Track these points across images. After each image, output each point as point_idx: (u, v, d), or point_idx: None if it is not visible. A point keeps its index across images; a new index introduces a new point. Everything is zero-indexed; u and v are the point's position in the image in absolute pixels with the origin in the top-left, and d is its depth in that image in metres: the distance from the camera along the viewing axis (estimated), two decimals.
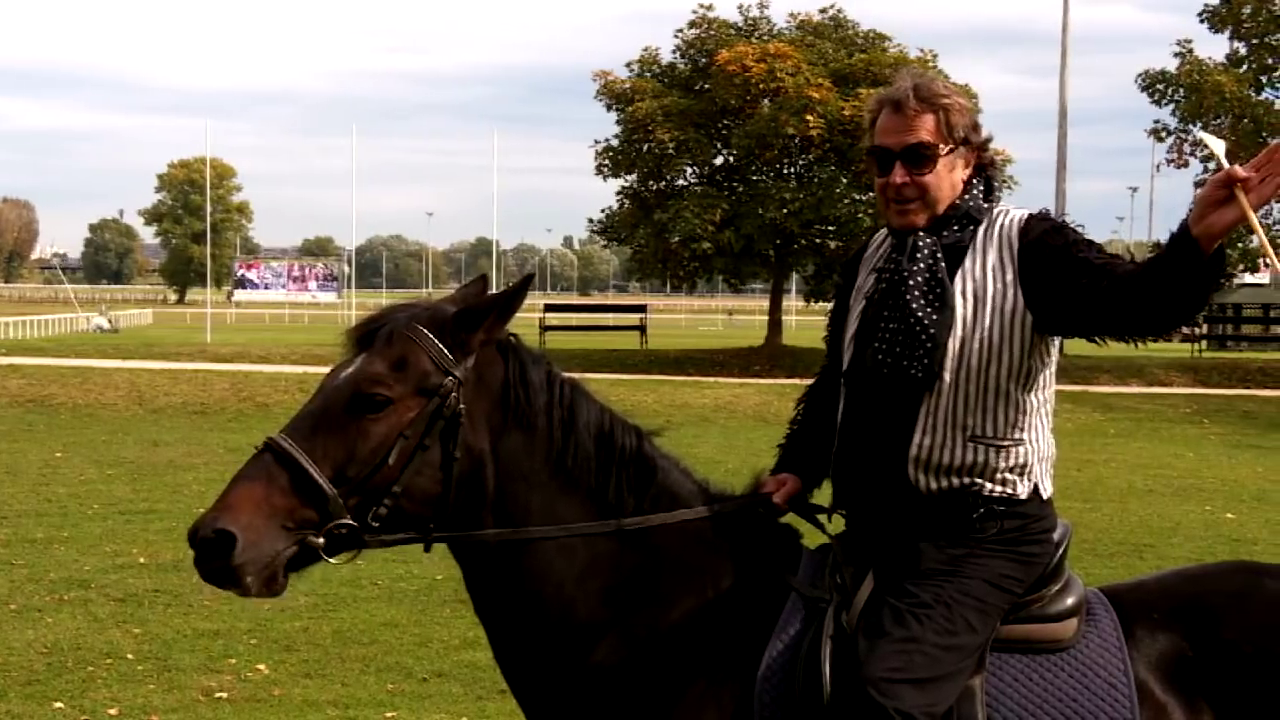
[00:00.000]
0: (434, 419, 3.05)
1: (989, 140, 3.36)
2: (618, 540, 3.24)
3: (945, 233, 3.26)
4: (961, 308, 3.19)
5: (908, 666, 3.01)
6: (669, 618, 3.20)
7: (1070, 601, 3.32)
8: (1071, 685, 3.20)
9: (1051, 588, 3.30)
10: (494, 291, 3.26)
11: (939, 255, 3.24)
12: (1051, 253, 3.13)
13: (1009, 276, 3.18)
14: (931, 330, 3.18)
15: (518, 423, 3.17)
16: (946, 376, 3.17)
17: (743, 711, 3.11)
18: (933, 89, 3.28)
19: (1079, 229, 3.22)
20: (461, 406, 3.08)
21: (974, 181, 3.31)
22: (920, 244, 3.26)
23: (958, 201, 3.28)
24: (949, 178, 3.26)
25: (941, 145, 3.24)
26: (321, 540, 3.00)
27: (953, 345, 3.17)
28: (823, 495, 3.54)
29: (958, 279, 3.21)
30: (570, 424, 3.24)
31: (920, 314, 3.19)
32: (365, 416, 3.03)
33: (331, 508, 2.99)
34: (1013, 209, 3.30)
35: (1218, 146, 2.96)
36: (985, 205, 3.29)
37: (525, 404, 3.17)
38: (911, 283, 3.22)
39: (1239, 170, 2.84)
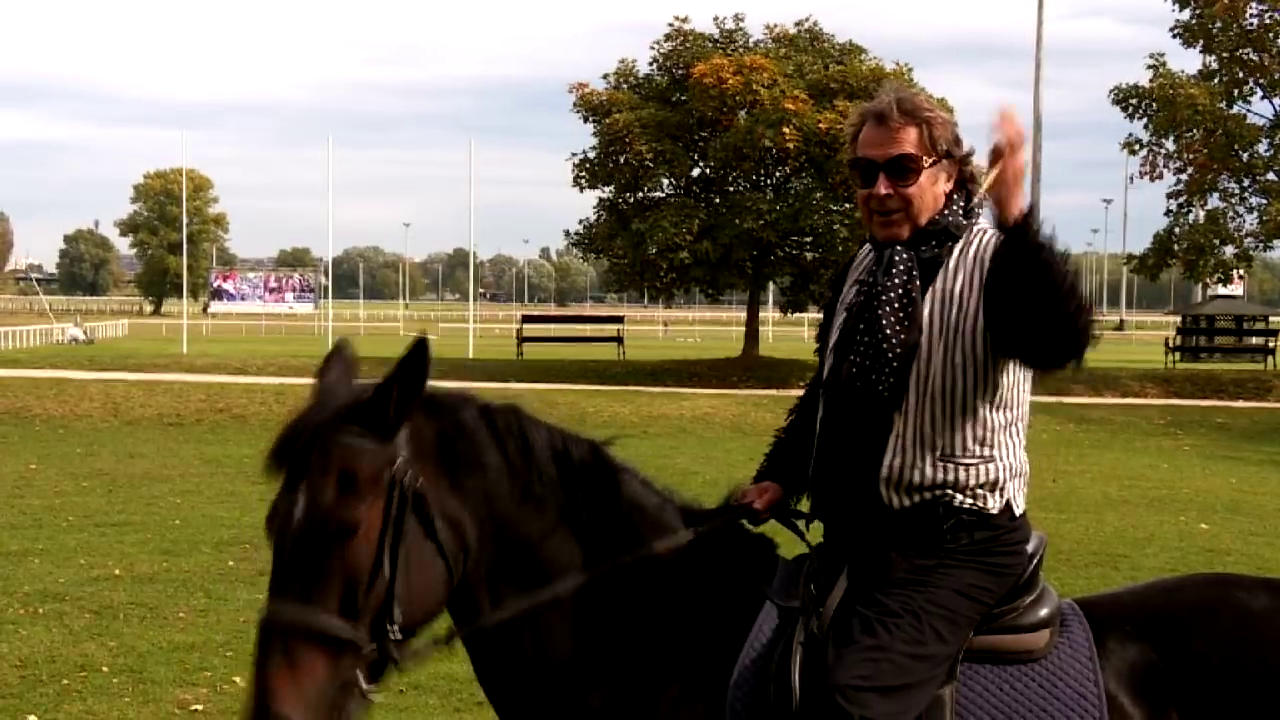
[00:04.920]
0: (401, 507, 2.97)
1: (970, 154, 3.37)
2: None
3: (924, 247, 3.29)
4: (928, 327, 3.21)
5: (875, 675, 3.03)
6: (643, 627, 3.21)
7: (1044, 613, 3.34)
8: (1041, 695, 3.22)
9: (1025, 598, 3.32)
10: (393, 365, 3.07)
11: (914, 271, 3.26)
12: (1007, 267, 3.10)
13: (975, 297, 3.19)
14: (898, 349, 3.20)
15: (470, 470, 3.11)
16: (913, 397, 3.20)
17: (715, 718, 3.12)
18: (915, 102, 3.31)
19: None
20: (420, 481, 3.00)
21: (955, 196, 3.33)
22: (896, 258, 3.28)
23: (938, 216, 3.30)
24: (932, 190, 3.29)
25: (925, 158, 3.27)
26: (363, 680, 2.92)
27: (919, 365, 3.20)
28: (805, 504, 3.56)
29: (928, 297, 3.23)
30: (527, 450, 3.18)
31: (889, 331, 3.22)
32: (344, 545, 2.93)
33: (361, 646, 2.91)
34: (990, 230, 3.29)
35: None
36: (965, 222, 3.30)
37: (470, 450, 3.11)
38: (884, 298, 3.25)
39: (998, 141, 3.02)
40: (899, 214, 3.29)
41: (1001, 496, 3.26)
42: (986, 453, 3.23)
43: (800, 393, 3.72)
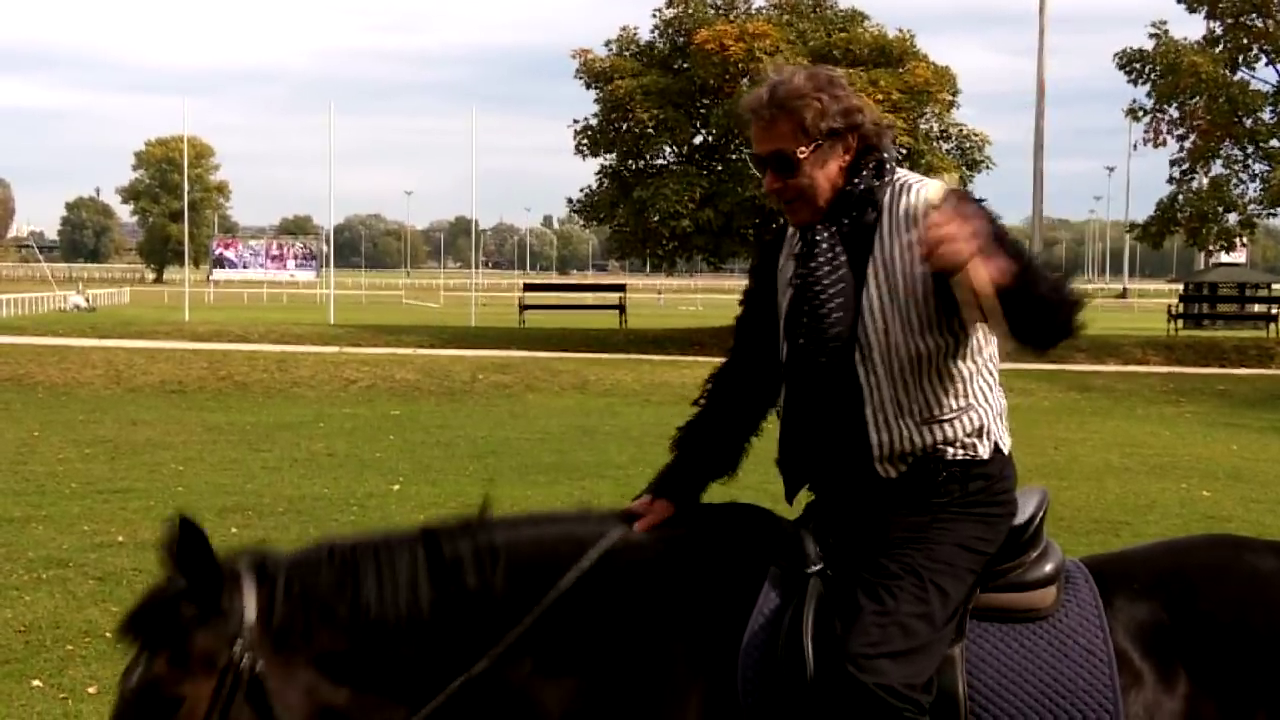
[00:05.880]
0: (232, 691, 2.92)
1: (861, 122, 3.27)
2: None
3: (845, 220, 3.27)
4: (878, 298, 3.20)
5: (884, 640, 3.03)
6: (634, 618, 3.17)
7: (1048, 569, 3.35)
8: (1050, 652, 3.23)
9: (1029, 555, 3.34)
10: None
11: (839, 248, 3.25)
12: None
13: (917, 258, 3.12)
14: (836, 328, 3.22)
15: (334, 633, 3.04)
16: (882, 369, 3.20)
17: (726, 689, 3.10)
18: (787, 89, 3.25)
19: (993, 215, 3.14)
20: (260, 666, 2.94)
21: (862, 163, 3.29)
22: (818, 238, 3.28)
23: (847, 189, 3.27)
24: (821, 174, 3.26)
25: (801, 148, 3.24)
26: None
27: (878, 337, 3.19)
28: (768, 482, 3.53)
29: (870, 267, 3.22)
30: (378, 593, 3.08)
31: (823, 310, 3.23)
32: None
33: None
34: (915, 181, 3.27)
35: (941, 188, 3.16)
36: (879, 183, 3.27)
37: (322, 620, 3.03)
38: (814, 278, 3.26)
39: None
40: (796, 202, 3.30)
41: (989, 440, 3.27)
42: (964, 403, 3.24)
43: None
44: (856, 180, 3.28)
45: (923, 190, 3.24)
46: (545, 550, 3.21)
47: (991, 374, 3.32)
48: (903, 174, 3.32)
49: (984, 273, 2.84)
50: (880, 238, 3.23)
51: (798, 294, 3.30)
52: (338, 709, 3.04)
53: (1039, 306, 2.96)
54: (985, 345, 3.29)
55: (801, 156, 3.24)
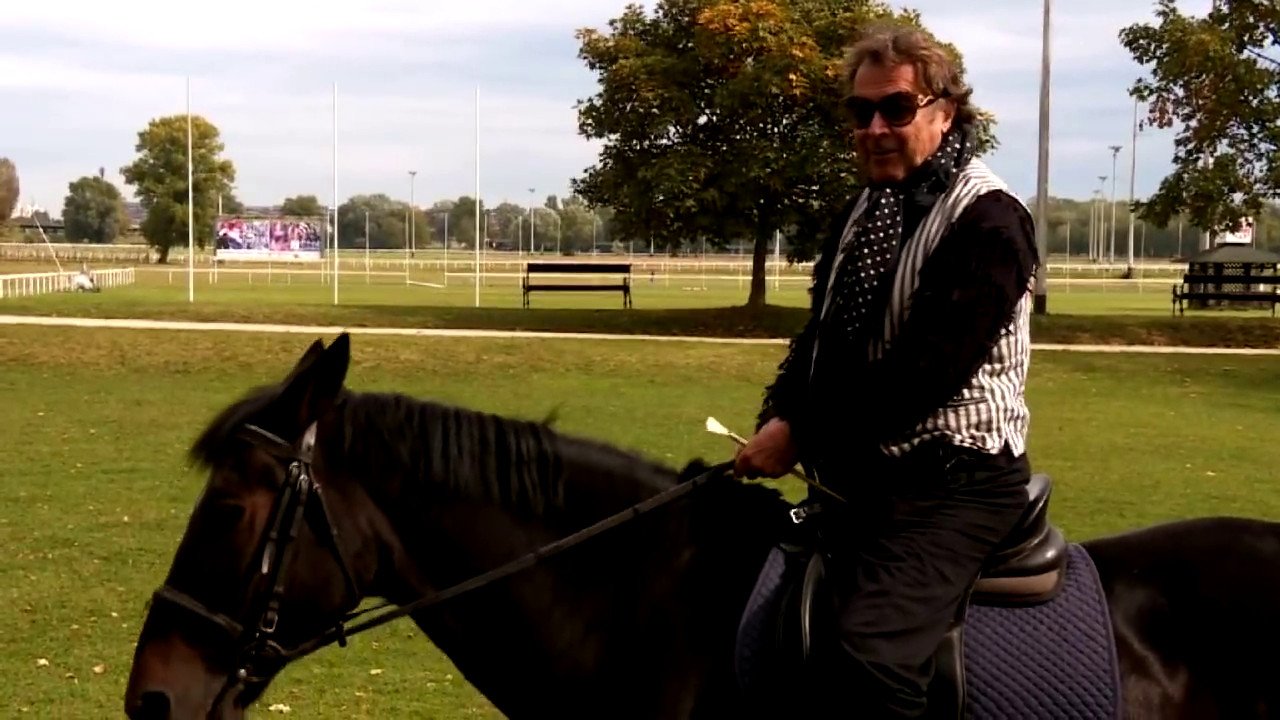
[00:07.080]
0: (291, 507, 2.98)
1: (969, 93, 3.36)
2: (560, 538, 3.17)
3: (915, 190, 3.28)
4: (904, 277, 3.21)
5: (880, 620, 3.02)
6: (637, 585, 3.18)
7: (1050, 555, 3.33)
8: (1050, 637, 3.22)
9: (1031, 541, 3.32)
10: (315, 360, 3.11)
11: (898, 218, 3.26)
12: (939, 253, 3.17)
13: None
14: (870, 295, 3.22)
15: (387, 475, 3.08)
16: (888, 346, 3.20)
17: (724, 669, 3.10)
18: (911, 40, 3.30)
19: (1005, 240, 3.16)
20: (316, 486, 2.99)
21: (950, 137, 3.31)
22: (884, 202, 3.29)
23: (930, 159, 3.28)
24: (928, 129, 3.27)
25: (920, 96, 3.25)
26: (243, 672, 2.96)
27: (890, 319, 3.20)
28: None
29: (909, 246, 3.23)
30: (449, 451, 3.13)
31: (863, 275, 3.24)
32: (229, 534, 2.97)
33: (234, 636, 2.94)
34: (975, 177, 3.27)
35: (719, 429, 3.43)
36: (955, 170, 3.28)
37: (386, 456, 3.08)
38: (865, 240, 3.27)
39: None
40: (894, 153, 3.28)
41: (999, 437, 3.25)
42: (976, 395, 3.23)
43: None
44: (940, 155, 3.29)
45: (976, 186, 3.24)
46: (601, 482, 3.25)
47: (1014, 381, 3.30)
48: (974, 165, 3.33)
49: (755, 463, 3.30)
50: (926, 220, 3.24)
51: (847, 256, 3.32)
52: (389, 548, 3.09)
53: (841, 438, 3.22)
54: (1013, 354, 3.28)
55: (921, 103, 3.26)
